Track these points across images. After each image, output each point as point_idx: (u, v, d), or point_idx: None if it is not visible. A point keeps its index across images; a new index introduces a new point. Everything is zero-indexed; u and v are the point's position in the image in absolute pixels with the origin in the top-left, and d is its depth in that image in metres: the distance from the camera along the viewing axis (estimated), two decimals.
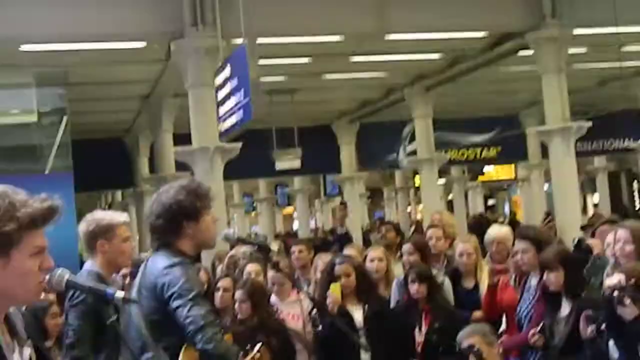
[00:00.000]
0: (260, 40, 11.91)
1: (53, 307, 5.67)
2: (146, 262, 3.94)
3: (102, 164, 19.00)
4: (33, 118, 14.63)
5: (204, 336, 3.46)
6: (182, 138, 14.58)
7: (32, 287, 2.34)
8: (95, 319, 4.35)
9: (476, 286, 6.82)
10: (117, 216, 4.75)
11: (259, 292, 5.86)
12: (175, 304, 3.57)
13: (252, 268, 6.57)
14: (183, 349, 3.56)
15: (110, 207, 26.39)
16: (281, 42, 13.45)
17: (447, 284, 6.79)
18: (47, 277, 2.41)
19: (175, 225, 3.83)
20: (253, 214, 40.08)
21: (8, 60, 13.34)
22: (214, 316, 3.66)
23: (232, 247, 7.50)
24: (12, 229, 2.26)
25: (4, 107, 14.98)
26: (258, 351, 3.53)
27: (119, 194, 27.00)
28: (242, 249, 8.26)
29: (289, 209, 38.42)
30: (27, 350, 2.40)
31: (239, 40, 10.54)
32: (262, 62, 10.59)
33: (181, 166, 15.18)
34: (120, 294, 2.53)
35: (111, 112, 18.82)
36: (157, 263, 3.78)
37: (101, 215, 4.70)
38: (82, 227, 4.63)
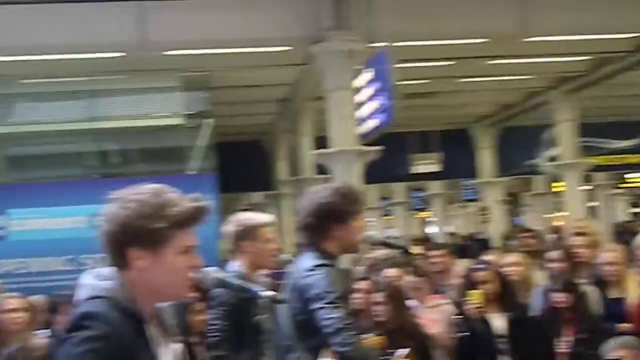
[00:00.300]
0: (400, 43, 11.88)
1: (197, 304, 5.77)
2: (295, 263, 4.00)
3: (243, 166, 19.42)
4: (179, 121, 15.13)
5: (340, 339, 3.46)
6: (321, 141, 14.75)
7: (181, 283, 2.41)
8: (238, 318, 4.43)
9: (622, 296, 6.55)
10: (261, 217, 4.80)
11: (399, 295, 5.82)
12: (315, 305, 3.59)
13: (392, 272, 6.55)
14: (322, 351, 3.57)
15: (249, 209, 26.96)
16: (421, 45, 13.37)
17: (593, 294, 6.54)
18: (196, 274, 2.46)
19: (323, 226, 3.86)
20: (388, 217, 40.03)
21: (155, 65, 13.88)
22: (351, 319, 3.65)
23: (371, 251, 7.49)
24: (162, 226, 2.33)
25: (151, 110, 15.57)
26: (407, 356, 3.48)
27: (258, 196, 27.53)
28: (382, 252, 8.24)
29: (424, 214, 38.15)
30: (176, 346, 2.47)
31: (379, 44, 10.55)
32: (401, 65, 10.54)
33: (320, 169, 15.37)
34: (267, 293, 2.56)
35: (251, 115, 19.23)
36: (303, 264, 3.82)
37: (246, 216, 4.78)
38: (228, 227, 4.72)
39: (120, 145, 15.91)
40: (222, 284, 2.53)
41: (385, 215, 39.26)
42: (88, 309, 2.30)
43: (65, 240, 12.14)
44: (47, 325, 6.70)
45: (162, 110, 15.50)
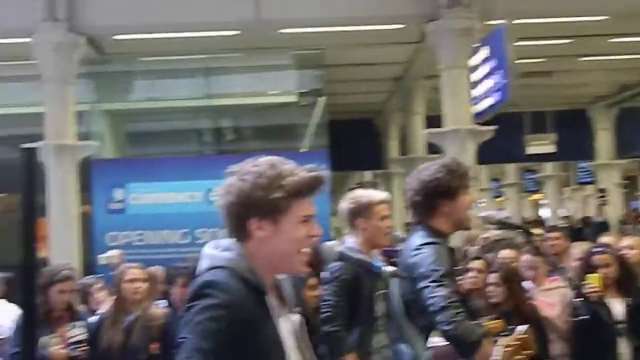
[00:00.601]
0: (517, 21, 11.61)
1: (312, 279, 5.81)
2: (406, 242, 3.98)
3: (354, 144, 19.43)
4: (293, 98, 15.26)
5: (444, 317, 3.41)
6: (433, 120, 14.60)
7: (300, 253, 2.44)
8: (353, 293, 4.44)
9: None
10: (376, 195, 4.77)
11: (514, 277, 5.71)
12: (421, 284, 3.55)
13: (507, 253, 6.44)
14: (433, 332, 3.54)
15: (360, 186, 27.00)
16: (538, 23, 13.03)
17: None
18: (316, 248, 2.48)
19: (432, 202, 3.82)
20: (500, 199, 39.37)
21: (269, 43, 14.02)
22: (457, 297, 3.60)
23: (486, 230, 7.38)
24: (280, 196, 2.37)
25: (264, 88, 15.75)
26: (526, 333, 3.41)
27: (368, 174, 27.54)
28: (497, 232, 8.10)
29: (536, 196, 37.35)
30: (295, 317, 2.49)
31: (495, 21, 10.34)
32: (518, 43, 10.29)
33: (432, 148, 15.23)
34: (388, 268, 2.55)
35: (364, 94, 19.19)
36: (412, 242, 3.80)
37: (361, 194, 4.75)
38: (343, 205, 4.72)
39: (235, 123, 16.18)
40: (343, 257, 2.53)
41: (497, 196, 38.62)
42: (210, 278, 2.35)
43: (181, 214, 12.44)
44: (164, 296, 6.92)
45: (276, 88, 15.65)
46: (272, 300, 2.43)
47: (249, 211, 2.39)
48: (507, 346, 3.29)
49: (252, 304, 2.34)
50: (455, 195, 3.82)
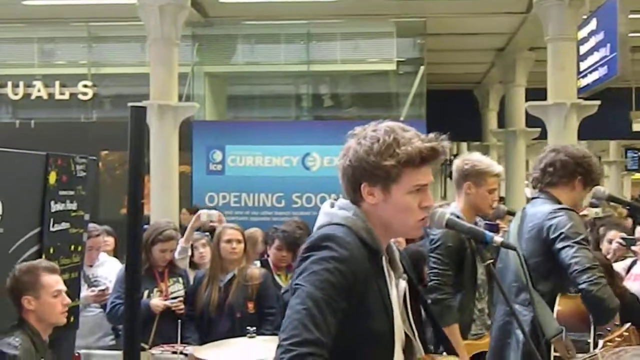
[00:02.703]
0: None
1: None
2: (523, 210, 3.99)
3: (452, 114, 19.19)
4: (392, 67, 15.15)
5: (590, 277, 3.39)
6: (534, 93, 14.29)
7: (411, 222, 2.42)
8: (457, 262, 4.41)
9: None
10: (493, 166, 4.65)
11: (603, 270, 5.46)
12: (561, 244, 3.56)
13: (613, 235, 6.29)
14: (559, 297, 3.50)
15: (455, 157, 26.70)
16: None
17: None
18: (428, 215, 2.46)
19: (569, 177, 3.98)
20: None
21: (371, 10, 13.94)
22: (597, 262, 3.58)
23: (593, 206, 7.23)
24: (391, 164, 2.35)
25: (364, 56, 15.69)
26: (627, 330, 3.29)
27: (464, 145, 27.24)
28: (595, 210, 7.92)
29: (638, 175, 36.23)
30: (403, 284, 2.49)
31: None
32: (632, 16, 9.93)
33: (532, 121, 14.93)
34: (498, 238, 2.51)
35: (464, 64, 18.91)
36: (541, 210, 3.80)
37: (480, 159, 4.64)
38: (458, 163, 4.65)
39: (333, 89, 16.20)
40: (453, 225, 2.50)
41: None
42: (329, 232, 2.36)
43: (277, 178, 12.60)
44: (261, 256, 7.03)
45: (376, 56, 15.57)
46: (385, 262, 2.44)
47: (362, 175, 2.40)
48: (607, 341, 3.19)
49: (367, 262, 2.34)
50: (592, 183, 3.97)
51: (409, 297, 2.50)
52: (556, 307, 3.52)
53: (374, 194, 2.40)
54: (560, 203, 3.87)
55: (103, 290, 6.00)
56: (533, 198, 4.11)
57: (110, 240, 7.20)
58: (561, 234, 3.59)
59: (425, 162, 2.40)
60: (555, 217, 3.71)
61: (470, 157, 4.65)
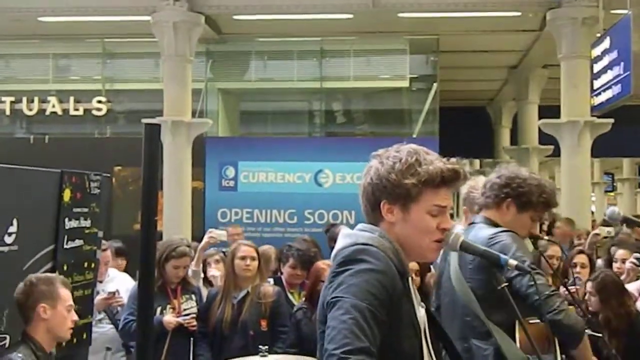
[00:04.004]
0: None
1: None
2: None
3: (465, 131, 19.19)
4: (404, 84, 15.16)
5: (552, 306, 3.33)
6: (547, 110, 14.28)
7: (427, 243, 2.43)
8: None
9: None
10: None
11: (610, 288, 5.43)
12: (512, 273, 3.41)
13: (621, 254, 6.26)
14: (518, 325, 3.43)
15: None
16: None
17: None
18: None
19: (501, 198, 3.81)
20: (612, 194, 38.21)
21: (384, 27, 13.97)
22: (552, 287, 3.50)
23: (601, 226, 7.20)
24: (412, 182, 2.38)
25: (377, 73, 15.71)
26: None
27: (476, 163, 27.19)
28: (607, 229, 7.87)
29: None
30: (422, 311, 2.48)
31: (620, 11, 9.99)
32: None
33: (544, 139, 14.90)
34: (512, 261, 2.50)
35: (477, 81, 18.91)
36: (480, 232, 3.72)
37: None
38: (464, 191, 4.67)
39: (346, 106, 16.22)
40: (466, 247, 2.49)
41: (608, 191, 37.49)
42: (363, 246, 2.34)
43: (290, 194, 12.59)
44: (274, 274, 7.02)
45: (389, 73, 15.59)
46: (412, 285, 2.44)
47: (382, 193, 2.42)
48: None
49: (399, 280, 2.34)
50: (519, 208, 3.77)
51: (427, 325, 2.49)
52: (517, 336, 3.44)
53: (394, 212, 2.42)
54: (498, 226, 3.73)
55: (113, 293, 6.00)
56: (471, 223, 3.96)
57: (122, 263, 7.21)
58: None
59: (446, 184, 2.42)
60: (496, 243, 3.57)
61: (476, 183, 4.66)
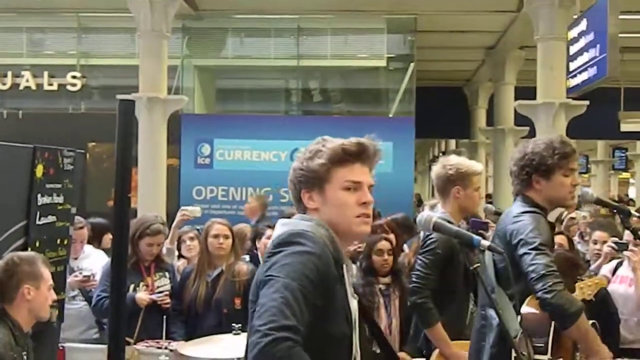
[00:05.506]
0: None
1: (382, 243, 5.70)
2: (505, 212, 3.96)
3: (441, 112, 19.22)
4: (382, 63, 15.14)
5: (544, 285, 3.34)
6: (523, 91, 14.31)
7: (350, 218, 2.48)
8: (447, 268, 4.44)
9: None
10: (475, 165, 4.74)
11: (562, 265, 5.43)
12: (520, 251, 3.50)
13: (599, 236, 6.31)
14: (528, 299, 3.50)
15: (444, 155, 26.76)
16: None
17: None
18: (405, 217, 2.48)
19: (525, 176, 3.78)
20: (586, 176, 38.52)
21: (362, 6, 13.93)
22: (557, 267, 3.53)
23: (577, 208, 7.25)
24: (318, 163, 2.46)
25: (354, 51, 15.68)
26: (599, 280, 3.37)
27: (452, 143, 27.28)
28: (583, 213, 7.94)
29: (625, 174, 36.41)
30: (355, 302, 2.52)
31: None
32: (622, 17, 9.95)
33: (520, 120, 14.96)
34: (485, 242, 2.51)
35: (454, 62, 18.90)
36: (512, 210, 3.76)
37: (460, 161, 4.71)
38: (439, 170, 4.68)
39: (323, 84, 16.18)
40: (439, 228, 2.50)
41: (583, 172, 37.77)
42: (300, 229, 2.40)
43: (266, 172, 12.57)
44: (249, 252, 7.01)
45: (366, 52, 15.56)
46: (346, 272, 2.48)
47: (299, 184, 2.51)
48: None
49: (333, 266, 2.38)
50: (549, 173, 3.74)
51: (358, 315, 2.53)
52: (524, 308, 3.51)
53: (313, 198, 2.49)
54: (533, 204, 3.76)
55: (88, 276, 5.98)
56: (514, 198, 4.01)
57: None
58: (521, 239, 3.53)
59: (355, 158, 2.48)
60: (517, 222, 3.64)
61: (450, 162, 4.69)
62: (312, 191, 2.49)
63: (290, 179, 2.54)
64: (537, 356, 3.43)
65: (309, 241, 2.33)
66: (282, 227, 2.46)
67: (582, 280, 4.29)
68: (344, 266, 2.45)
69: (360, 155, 2.48)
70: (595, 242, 6.56)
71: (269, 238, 6.34)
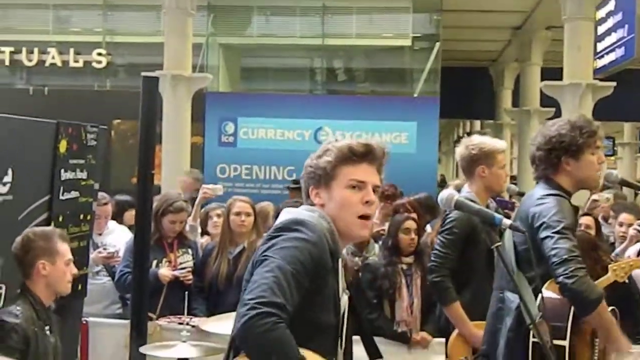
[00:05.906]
0: None
1: (408, 222, 5.69)
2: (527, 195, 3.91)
3: (466, 92, 19.10)
4: (407, 42, 15.06)
5: (565, 270, 3.29)
6: (549, 72, 14.19)
7: (352, 217, 2.54)
8: (468, 247, 4.43)
9: None
10: (498, 143, 4.70)
11: (583, 247, 5.36)
12: (543, 234, 3.44)
13: (625, 218, 6.25)
14: (548, 282, 3.46)
15: (469, 135, 26.58)
16: None
17: None
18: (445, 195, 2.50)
19: (555, 158, 3.71)
20: (612, 158, 38.17)
21: None
22: (579, 252, 3.49)
23: (603, 189, 7.19)
24: (326, 161, 2.53)
25: (379, 31, 15.60)
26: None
27: (477, 124, 27.12)
28: (606, 195, 7.86)
29: None
30: (345, 297, 2.58)
31: None
32: None
33: (546, 101, 14.84)
34: (507, 221, 2.50)
35: (480, 41, 18.78)
36: (535, 193, 3.71)
37: (483, 140, 4.68)
38: (463, 150, 4.66)
39: (348, 64, 16.13)
40: (461, 207, 2.49)
41: (609, 155, 37.41)
42: (300, 217, 2.47)
43: (289, 151, 12.55)
44: None
45: (391, 31, 15.47)
46: (340, 266, 2.55)
47: (309, 180, 2.59)
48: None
49: (329, 257, 2.45)
50: (578, 153, 3.68)
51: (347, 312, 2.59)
52: (544, 292, 3.47)
53: (320, 195, 2.56)
54: (558, 187, 3.68)
55: (112, 253, 6.03)
56: (537, 181, 3.93)
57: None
58: (543, 223, 3.47)
59: (361, 158, 2.55)
60: (540, 204, 3.56)
61: (473, 142, 4.66)
62: (319, 188, 2.56)
63: (301, 176, 2.63)
64: (556, 341, 3.39)
65: (308, 230, 2.39)
66: (285, 215, 2.53)
67: (615, 262, 4.24)
68: (339, 260, 2.52)
69: (366, 155, 2.56)
70: (621, 225, 6.49)
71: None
